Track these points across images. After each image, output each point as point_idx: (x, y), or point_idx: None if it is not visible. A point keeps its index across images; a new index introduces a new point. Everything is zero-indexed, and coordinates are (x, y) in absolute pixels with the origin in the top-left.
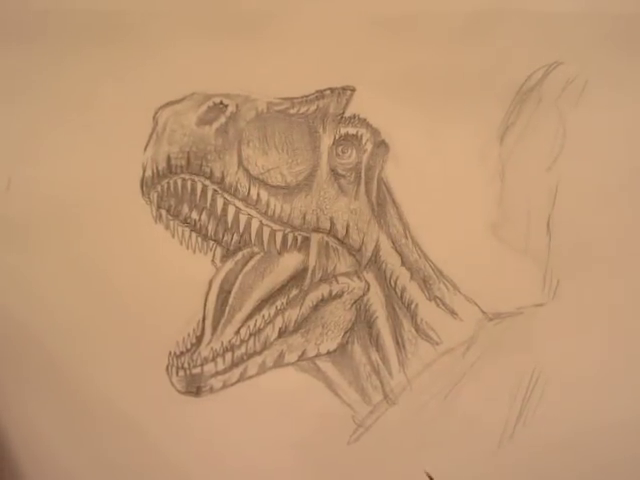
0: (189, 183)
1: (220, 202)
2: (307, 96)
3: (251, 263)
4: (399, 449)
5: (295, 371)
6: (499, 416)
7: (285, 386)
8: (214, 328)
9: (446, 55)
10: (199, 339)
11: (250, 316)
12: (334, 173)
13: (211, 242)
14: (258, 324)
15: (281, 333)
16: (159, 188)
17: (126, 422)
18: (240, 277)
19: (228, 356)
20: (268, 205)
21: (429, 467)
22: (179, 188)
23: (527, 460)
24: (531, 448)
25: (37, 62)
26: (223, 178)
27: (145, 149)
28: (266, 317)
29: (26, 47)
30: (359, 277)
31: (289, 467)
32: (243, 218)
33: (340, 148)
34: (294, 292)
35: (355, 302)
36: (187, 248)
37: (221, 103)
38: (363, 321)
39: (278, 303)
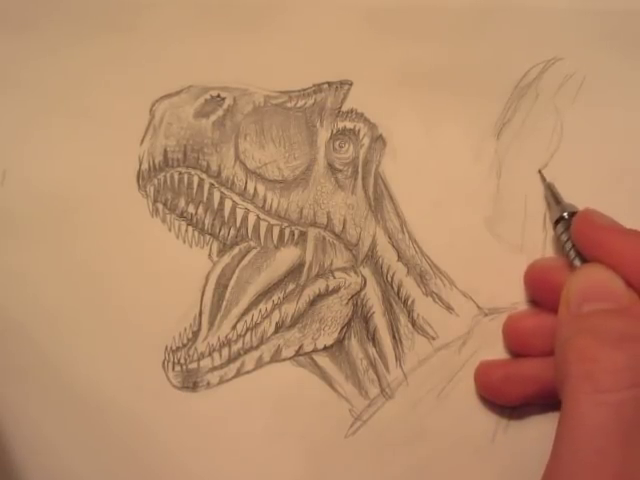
0: (186, 177)
1: (217, 196)
2: (305, 89)
3: (248, 257)
4: (395, 442)
5: (292, 366)
6: (494, 410)
7: (282, 381)
8: (211, 323)
9: (444, 50)
10: (195, 334)
11: (247, 311)
12: (331, 168)
13: (208, 236)
14: (255, 319)
15: (278, 328)
16: (155, 182)
17: (122, 418)
18: (237, 272)
19: (225, 351)
20: (265, 199)
21: (422, 459)
22: (175, 182)
23: (520, 453)
24: (524, 442)
25: (31, 52)
26: (220, 172)
27: (141, 142)
28: (263, 312)
29: (20, 37)
30: (356, 272)
31: (287, 461)
32: (240, 212)
33: (337, 142)
34: (291, 287)
35: (352, 297)
36: (183, 242)
37: (218, 96)
38: (360, 316)
39: (275, 297)
